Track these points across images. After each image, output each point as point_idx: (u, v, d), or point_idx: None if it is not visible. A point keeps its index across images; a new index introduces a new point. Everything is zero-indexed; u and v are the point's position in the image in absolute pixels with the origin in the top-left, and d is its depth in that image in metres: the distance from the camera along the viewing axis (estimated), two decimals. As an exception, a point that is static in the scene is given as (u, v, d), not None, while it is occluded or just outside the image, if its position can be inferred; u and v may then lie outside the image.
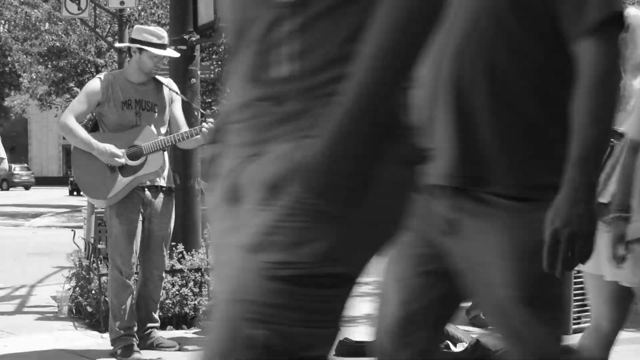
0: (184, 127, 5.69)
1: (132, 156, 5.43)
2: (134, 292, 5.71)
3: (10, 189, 43.87)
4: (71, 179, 34.92)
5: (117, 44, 11.38)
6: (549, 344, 2.20)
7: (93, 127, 5.58)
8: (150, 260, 5.63)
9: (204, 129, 5.44)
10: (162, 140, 5.48)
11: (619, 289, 3.53)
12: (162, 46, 5.57)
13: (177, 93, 5.76)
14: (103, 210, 7.39)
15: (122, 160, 5.40)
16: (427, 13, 1.45)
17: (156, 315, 5.74)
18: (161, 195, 5.59)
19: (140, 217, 5.50)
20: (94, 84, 5.53)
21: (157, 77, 5.69)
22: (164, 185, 5.60)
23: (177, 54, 6.00)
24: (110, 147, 5.39)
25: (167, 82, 5.78)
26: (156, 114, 5.57)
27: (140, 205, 5.49)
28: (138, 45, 5.50)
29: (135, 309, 5.68)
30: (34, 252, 12.53)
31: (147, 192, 5.52)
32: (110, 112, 5.47)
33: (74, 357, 5.48)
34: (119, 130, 5.47)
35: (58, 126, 5.64)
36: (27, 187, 45.38)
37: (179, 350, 5.60)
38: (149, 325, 5.68)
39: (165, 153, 5.59)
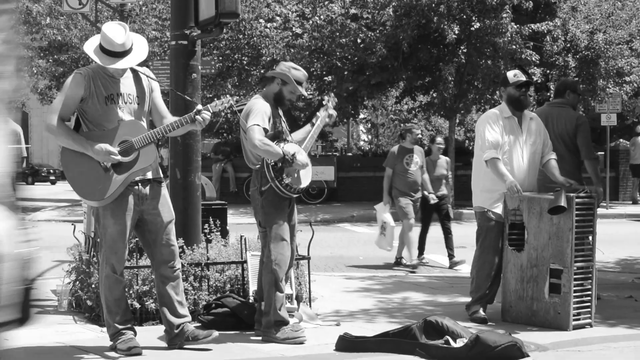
0: (167, 115, 5.55)
1: (123, 152, 5.30)
2: (157, 294, 5.65)
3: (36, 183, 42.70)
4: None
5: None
6: None
7: (74, 125, 5.40)
8: (161, 254, 5.50)
9: (198, 117, 5.34)
10: (153, 133, 5.36)
11: None
12: (116, 54, 5.24)
13: (154, 80, 5.62)
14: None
15: (118, 158, 5.25)
16: None
17: (183, 310, 5.59)
18: (152, 186, 5.47)
19: (137, 214, 5.40)
20: (76, 79, 5.31)
21: (133, 67, 5.49)
22: (152, 177, 5.47)
23: (122, 66, 5.32)
24: (105, 146, 5.23)
25: (144, 70, 5.62)
26: (138, 105, 5.44)
27: (135, 200, 5.38)
28: (90, 54, 5.28)
29: (161, 310, 5.60)
30: (34, 246, 12.52)
31: (140, 187, 5.41)
32: (94, 109, 5.31)
33: (74, 350, 5.49)
34: (103, 126, 5.32)
35: (45, 129, 5.35)
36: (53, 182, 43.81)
37: (216, 337, 5.50)
38: (178, 322, 5.54)
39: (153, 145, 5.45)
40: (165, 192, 5.59)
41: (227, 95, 5.73)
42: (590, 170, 7.68)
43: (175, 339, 5.54)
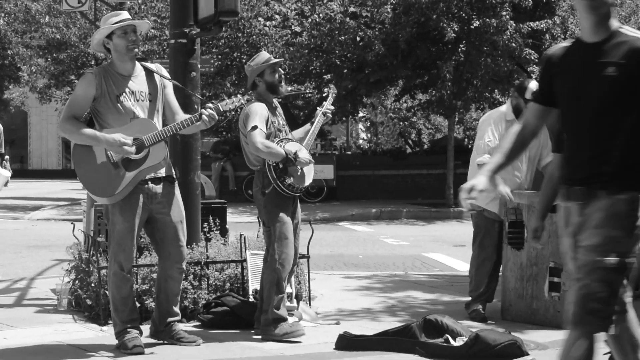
0: (179, 112, 5.61)
1: (135, 150, 5.34)
2: (155, 286, 5.72)
3: None
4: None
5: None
6: None
7: (88, 125, 5.44)
8: (169, 253, 5.55)
9: (204, 116, 5.40)
10: (163, 131, 5.39)
11: None
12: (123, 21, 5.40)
13: (167, 78, 5.67)
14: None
15: (132, 149, 5.28)
16: None
17: (177, 309, 5.67)
18: (164, 184, 5.51)
19: (146, 212, 5.43)
20: (88, 79, 5.41)
21: (145, 64, 5.58)
22: (165, 174, 5.53)
23: (130, 20, 5.48)
24: (118, 137, 5.27)
25: (156, 67, 5.67)
26: (150, 102, 5.49)
27: (144, 199, 5.42)
28: (104, 33, 5.39)
29: (156, 303, 5.69)
30: (33, 244, 12.53)
31: (150, 185, 5.45)
32: (106, 107, 5.37)
33: (73, 349, 5.48)
34: (116, 125, 5.36)
35: (59, 130, 5.48)
36: None
37: (199, 345, 5.55)
38: (169, 319, 5.61)
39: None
40: (177, 191, 5.62)
41: (238, 95, 5.75)
42: None
43: (161, 334, 5.62)
